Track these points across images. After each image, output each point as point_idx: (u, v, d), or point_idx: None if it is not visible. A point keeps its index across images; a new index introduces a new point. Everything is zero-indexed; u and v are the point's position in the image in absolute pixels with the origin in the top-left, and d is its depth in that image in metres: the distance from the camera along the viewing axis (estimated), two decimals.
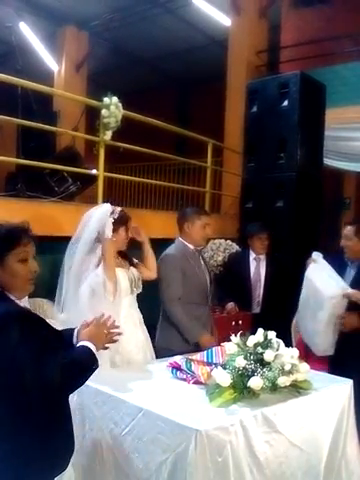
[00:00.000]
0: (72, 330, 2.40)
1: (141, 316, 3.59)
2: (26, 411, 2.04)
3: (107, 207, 3.45)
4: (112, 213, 3.42)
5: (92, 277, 3.27)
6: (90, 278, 3.28)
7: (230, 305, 5.01)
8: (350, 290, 3.85)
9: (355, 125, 7.57)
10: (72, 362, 2.14)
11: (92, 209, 3.48)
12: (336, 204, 9.47)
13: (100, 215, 3.39)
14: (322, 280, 3.96)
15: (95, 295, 3.22)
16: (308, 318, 4.05)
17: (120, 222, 3.45)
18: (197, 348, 3.56)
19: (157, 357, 3.62)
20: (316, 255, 4.14)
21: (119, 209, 3.50)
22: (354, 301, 3.81)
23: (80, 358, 2.19)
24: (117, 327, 2.50)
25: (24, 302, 2.22)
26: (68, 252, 3.39)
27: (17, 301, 2.14)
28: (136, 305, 3.58)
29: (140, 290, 3.60)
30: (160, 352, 3.75)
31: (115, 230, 3.40)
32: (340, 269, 4.10)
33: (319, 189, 6.33)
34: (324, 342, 3.91)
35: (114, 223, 3.39)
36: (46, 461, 2.12)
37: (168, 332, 3.89)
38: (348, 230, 4.15)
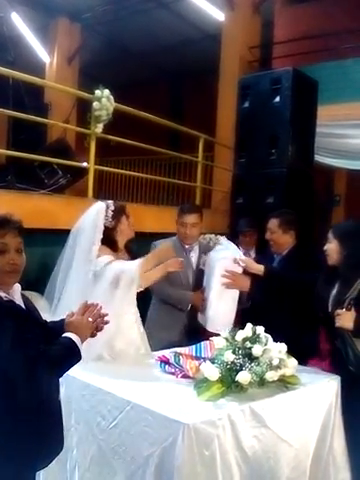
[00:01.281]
0: (62, 321, 2.38)
1: (138, 314, 3.52)
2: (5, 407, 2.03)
3: (100, 204, 3.46)
4: (108, 208, 3.42)
5: (122, 267, 3.24)
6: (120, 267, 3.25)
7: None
8: (243, 257, 3.83)
9: (347, 122, 7.60)
10: (50, 357, 2.10)
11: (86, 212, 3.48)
12: (326, 201, 9.51)
13: (95, 214, 3.40)
14: (217, 251, 3.90)
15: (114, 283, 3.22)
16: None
17: (119, 212, 3.46)
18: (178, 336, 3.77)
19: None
20: (222, 238, 4.07)
21: (111, 202, 3.49)
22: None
23: (59, 352, 2.16)
24: (104, 315, 2.44)
25: (17, 294, 2.21)
26: (63, 254, 3.39)
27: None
28: (134, 303, 3.49)
29: (140, 288, 3.51)
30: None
31: (118, 221, 3.42)
32: (269, 262, 4.11)
33: (310, 186, 6.34)
34: (215, 315, 3.71)
35: (113, 215, 3.41)
36: (29, 457, 2.11)
37: (151, 318, 4.06)
38: (272, 223, 4.14)
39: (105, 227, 3.38)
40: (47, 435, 2.18)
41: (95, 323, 2.37)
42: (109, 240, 3.38)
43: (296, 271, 3.80)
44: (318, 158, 7.15)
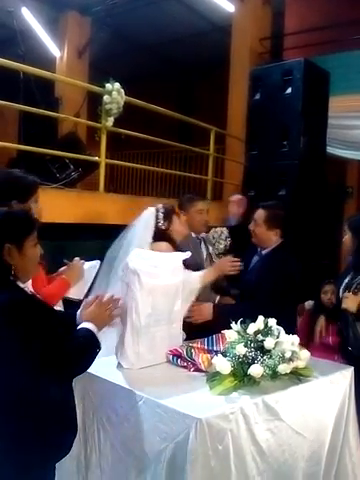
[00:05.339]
0: (75, 311, 2.42)
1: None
2: (28, 402, 2.05)
3: (150, 210, 3.59)
4: (158, 210, 3.56)
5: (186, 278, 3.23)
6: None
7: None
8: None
9: (359, 113, 7.53)
10: (75, 348, 2.15)
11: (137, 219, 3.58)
12: (339, 193, 9.45)
13: (145, 219, 3.54)
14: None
15: None
16: None
17: (169, 213, 3.60)
18: None
19: None
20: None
21: (161, 205, 3.63)
22: None
23: (82, 343, 2.21)
24: (118, 307, 2.56)
25: (29, 286, 2.24)
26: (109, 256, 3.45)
27: (23, 287, 2.15)
28: None
29: None
30: None
31: (169, 222, 3.57)
32: (251, 254, 3.99)
33: (322, 177, 6.30)
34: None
35: (165, 217, 3.56)
36: (48, 449, 2.13)
37: None
38: (258, 214, 3.89)
39: (160, 229, 3.52)
40: (69, 424, 2.25)
41: (111, 314, 2.45)
42: (167, 238, 3.53)
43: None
44: (330, 150, 7.09)
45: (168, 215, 3.60)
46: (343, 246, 3.76)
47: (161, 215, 3.56)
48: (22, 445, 2.05)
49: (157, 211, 3.58)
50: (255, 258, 3.96)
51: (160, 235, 3.53)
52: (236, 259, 3.57)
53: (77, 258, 3.33)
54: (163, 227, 3.55)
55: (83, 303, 2.46)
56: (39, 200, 3.11)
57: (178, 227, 3.65)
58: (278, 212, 3.96)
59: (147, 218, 3.55)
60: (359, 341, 3.46)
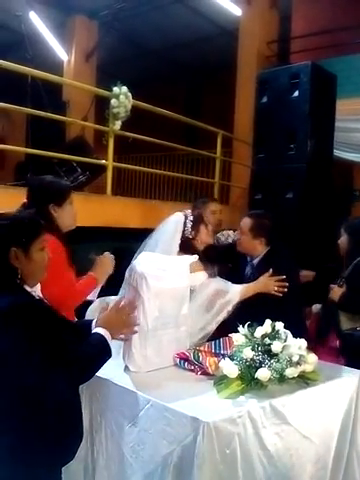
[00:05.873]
0: (90, 320, 2.43)
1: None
2: (33, 404, 2.04)
3: (179, 215, 3.47)
4: (186, 218, 3.44)
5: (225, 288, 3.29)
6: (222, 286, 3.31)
7: None
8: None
9: None
10: (83, 355, 2.16)
11: (164, 221, 3.49)
12: (346, 196, 9.42)
13: (174, 225, 3.42)
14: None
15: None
16: None
17: (198, 221, 3.47)
18: None
19: None
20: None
21: (189, 211, 3.52)
22: None
23: (91, 349, 2.21)
24: (135, 317, 2.55)
25: (37, 290, 2.24)
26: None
27: (30, 290, 2.15)
28: None
29: None
30: None
31: (197, 231, 3.44)
32: (243, 265, 3.96)
33: (329, 181, 6.29)
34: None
35: (193, 225, 3.43)
36: (54, 451, 2.13)
37: None
38: (244, 222, 3.89)
39: (186, 238, 3.40)
40: (74, 429, 2.23)
41: (127, 324, 2.46)
42: (192, 250, 3.36)
43: None
44: (337, 153, 7.09)
45: (196, 223, 3.45)
46: (341, 247, 4.15)
47: (190, 223, 3.41)
48: (28, 445, 2.05)
49: (186, 218, 3.44)
50: (248, 268, 3.93)
51: (185, 244, 3.38)
52: (282, 277, 3.48)
53: (107, 252, 3.32)
54: (190, 236, 3.41)
55: (102, 306, 2.46)
56: (73, 203, 3.17)
57: (204, 237, 3.50)
58: (264, 221, 3.93)
59: (175, 225, 3.41)
60: (339, 327, 3.89)
